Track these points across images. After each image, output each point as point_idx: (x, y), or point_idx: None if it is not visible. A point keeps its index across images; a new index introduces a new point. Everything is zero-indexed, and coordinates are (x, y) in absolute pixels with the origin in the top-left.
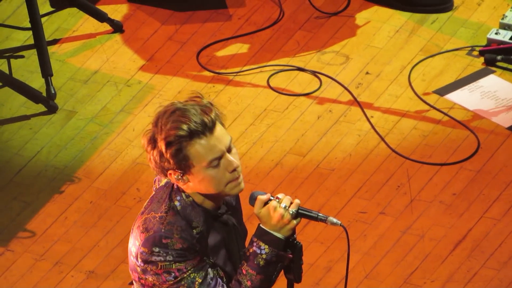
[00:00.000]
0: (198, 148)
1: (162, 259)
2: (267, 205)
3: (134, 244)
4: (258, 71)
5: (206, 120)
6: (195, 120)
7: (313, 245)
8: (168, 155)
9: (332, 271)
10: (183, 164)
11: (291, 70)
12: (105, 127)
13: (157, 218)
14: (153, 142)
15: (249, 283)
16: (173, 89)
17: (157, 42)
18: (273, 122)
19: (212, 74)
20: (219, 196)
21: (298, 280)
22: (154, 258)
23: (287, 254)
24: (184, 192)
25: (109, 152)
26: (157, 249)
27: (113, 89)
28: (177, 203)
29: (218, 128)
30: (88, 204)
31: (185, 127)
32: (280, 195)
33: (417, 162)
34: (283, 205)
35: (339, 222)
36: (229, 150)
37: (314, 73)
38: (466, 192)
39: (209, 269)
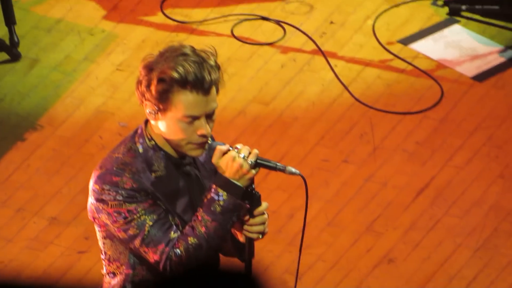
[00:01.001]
0: (183, 99)
1: (112, 198)
2: (226, 155)
3: (90, 183)
4: (222, 20)
5: (206, 79)
6: (196, 73)
7: (276, 193)
8: (153, 88)
9: (294, 218)
10: (162, 104)
11: (255, 19)
12: (68, 76)
13: (113, 158)
14: (149, 68)
15: (203, 229)
16: (137, 38)
17: None
18: (237, 71)
19: (175, 23)
20: (178, 149)
21: (253, 255)
22: (104, 196)
23: (244, 203)
24: (147, 136)
25: (72, 100)
26: (107, 187)
27: (77, 37)
28: (139, 145)
29: (212, 91)
30: (51, 152)
31: (182, 72)
32: (238, 145)
33: (380, 111)
34: (242, 155)
35: (298, 171)
36: (209, 116)
37: (278, 22)
38: (429, 140)
39: (162, 213)
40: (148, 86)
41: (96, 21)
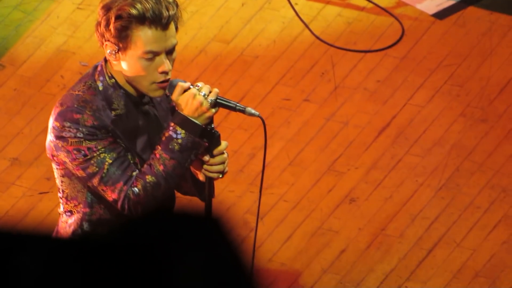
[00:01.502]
0: (142, 35)
1: (72, 135)
2: (186, 92)
3: (50, 120)
4: None
5: (164, 14)
6: (154, 9)
7: (237, 132)
8: (112, 27)
9: (256, 158)
10: (122, 42)
11: None
12: (29, 15)
13: (74, 95)
14: (107, 8)
15: (161, 167)
16: None
17: None
18: (197, 9)
19: None
20: (140, 88)
21: (213, 195)
22: (64, 133)
23: (202, 141)
24: (108, 73)
25: (33, 39)
26: (68, 124)
27: None
28: (99, 83)
29: (171, 27)
30: (12, 92)
31: (140, 8)
32: (199, 84)
33: (341, 49)
34: (202, 93)
35: (257, 113)
36: (169, 52)
37: None
38: (391, 79)
39: (122, 152)
40: (107, 25)
41: None
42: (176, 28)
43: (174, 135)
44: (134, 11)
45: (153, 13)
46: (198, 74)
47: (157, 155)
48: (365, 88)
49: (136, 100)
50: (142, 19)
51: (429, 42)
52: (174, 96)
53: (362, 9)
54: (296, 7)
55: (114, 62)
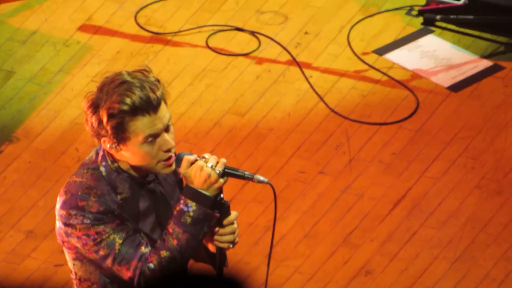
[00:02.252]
0: (138, 124)
1: (80, 222)
2: (194, 165)
3: (56, 208)
4: (196, 31)
5: (151, 98)
6: (141, 96)
7: (252, 205)
8: (107, 126)
9: (271, 230)
10: (120, 136)
11: (230, 30)
12: (44, 87)
13: (77, 182)
14: (94, 107)
15: (175, 242)
16: (112, 49)
17: (96, 2)
18: (212, 82)
19: (150, 34)
20: (147, 170)
21: (225, 264)
22: (72, 221)
23: (214, 213)
24: (110, 157)
25: (47, 112)
26: (74, 212)
27: (52, 49)
28: (102, 168)
29: (162, 106)
30: (27, 164)
31: (129, 102)
32: (206, 155)
33: (356, 121)
34: (209, 164)
35: (266, 180)
36: (167, 129)
37: (252, 33)
38: (405, 151)
39: (131, 231)
40: (100, 124)
41: (71, 33)
42: (166, 103)
43: (186, 208)
44: (125, 107)
45: (142, 101)
46: (212, 147)
47: (170, 230)
48: (380, 161)
49: (141, 181)
50: (134, 112)
51: (444, 115)
52: (182, 169)
53: (377, 81)
54: (310, 80)
55: (116, 154)
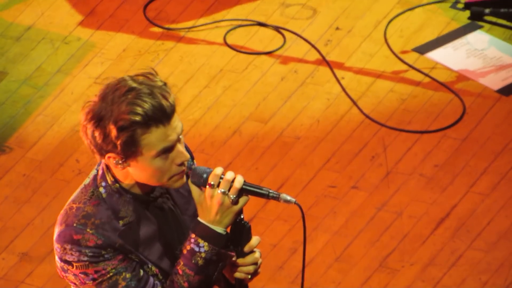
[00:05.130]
0: (152, 137)
1: (76, 258)
2: (204, 193)
3: (53, 237)
4: (213, 26)
5: (165, 106)
6: (154, 105)
7: (276, 224)
8: (117, 140)
9: (298, 253)
10: (130, 151)
11: (251, 25)
12: (40, 90)
13: (74, 210)
14: (98, 119)
15: (185, 285)
16: (117, 47)
17: None
18: (231, 84)
19: (161, 30)
20: (157, 185)
21: None
22: (67, 257)
23: (228, 252)
24: (110, 176)
25: (44, 118)
26: (69, 246)
27: (49, 47)
28: (102, 189)
29: (175, 115)
30: (21, 177)
31: (141, 112)
32: (218, 170)
33: (394, 129)
34: (220, 190)
35: (294, 199)
36: (179, 139)
37: (277, 28)
38: (450, 163)
39: (136, 269)
40: (106, 138)
41: (71, 28)
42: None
43: (197, 249)
44: (137, 118)
45: (155, 110)
46: (231, 158)
47: (180, 271)
48: (421, 174)
49: (146, 199)
50: (147, 123)
51: (494, 122)
52: (195, 196)
53: (417, 84)
54: (342, 82)
55: (121, 172)
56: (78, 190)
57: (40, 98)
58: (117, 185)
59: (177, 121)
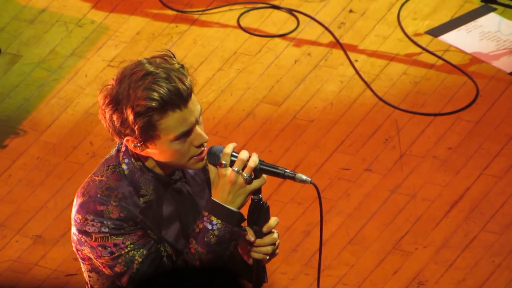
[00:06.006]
0: (169, 121)
1: (97, 229)
2: (218, 171)
3: (72, 211)
4: (227, 9)
5: (182, 90)
6: (170, 89)
7: (290, 206)
8: (134, 125)
9: (311, 235)
10: (148, 135)
11: (264, 8)
12: (54, 73)
13: (97, 182)
14: (115, 103)
15: (197, 263)
16: (131, 29)
17: None
18: (244, 67)
19: (174, 12)
20: (176, 167)
21: (263, 280)
22: (88, 228)
23: (241, 230)
24: (134, 154)
25: (58, 101)
26: (91, 217)
27: (63, 29)
28: (124, 166)
29: (192, 98)
30: (35, 160)
31: (157, 97)
32: (231, 152)
33: (407, 112)
34: (235, 169)
35: (309, 179)
36: (197, 121)
37: (290, 11)
38: (463, 146)
39: (153, 247)
40: (124, 123)
41: (85, 11)
42: (193, 91)
43: (210, 226)
44: (153, 103)
45: (172, 95)
46: (245, 141)
47: (192, 250)
48: (434, 156)
49: (167, 180)
50: (163, 108)
51: (507, 104)
52: (211, 176)
53: (431, 66)
54: (356, 64)
55: (141, 152)
56: (100, 164)
57: (54, 81)
58: (140, 163)
59: (195, 104)
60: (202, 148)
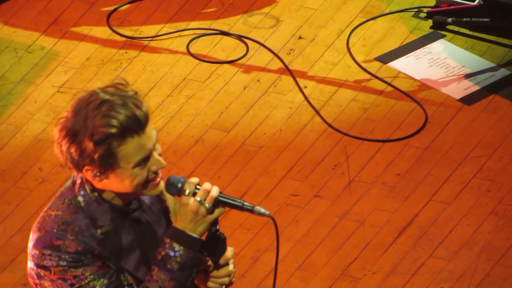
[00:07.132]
0: (128, 148)
1: (55, 263)
2: (180, 201)
3: (28, 246)
4: (176, 36)
5: (139, 116)
6: (129, 115)
7: (239, 232)
8: (94, 154)
9: (260, 261)
10: (108, 164)
11: (214, 34)
12: (3, 99)
13: (52, 217)
14: (72, 135)
15: None
16: (80, 55)
17: (63, 2)
18: (194, 93)
19: (124, 39)
20: (134, 194)
21: None
22: (46, 262)
23: (204, 256)
24: (89, 185)
25: (7, 127)
26: (48, 252)
27: (12, 55)
28: (80, 198)
29: (149, 124)
30: None
31: (116, 123)
32: (194, 179)
33: (356, 138)
34: (198, 198)
35: (267, 212)
36: (154, 147)
37: (239, 37)
38: (412, 172)
39: (113, 276)
40: (83, 154)
41: (34, 37)
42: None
43: (172, 253)
44: (112, 130)
45: (130, 121)
46: (194, 167)
47: (155, 277)
48: (383, 183)
49: (124, 210)
50: (122, 135)
51: (456, 131)
52: (170, 204)
53: (380, 93)
54: (305, 91)
55: (99, 184)
56: (55, 197)
57: (3, 107)
58: (96, 194)
59: (151, 129)
60: (159, 174)
